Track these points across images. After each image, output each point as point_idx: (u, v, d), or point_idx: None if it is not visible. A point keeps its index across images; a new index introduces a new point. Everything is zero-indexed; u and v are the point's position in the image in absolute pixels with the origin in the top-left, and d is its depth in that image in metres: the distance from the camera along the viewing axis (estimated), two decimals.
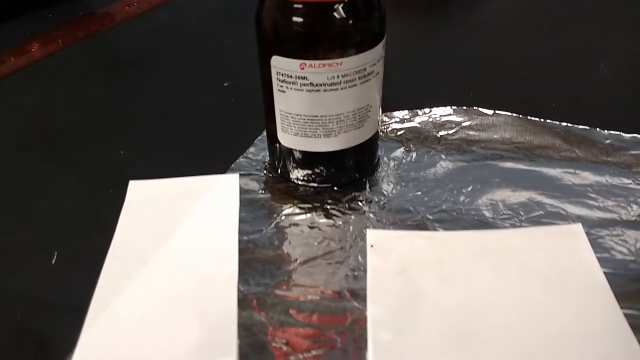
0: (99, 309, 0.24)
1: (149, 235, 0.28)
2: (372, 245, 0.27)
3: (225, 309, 0.24)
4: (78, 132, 0.37)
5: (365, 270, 0.26)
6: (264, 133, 0.33)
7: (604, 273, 0.25)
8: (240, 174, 0.32)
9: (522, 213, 0.29)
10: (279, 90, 0.28)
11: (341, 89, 0.27)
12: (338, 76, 0.27)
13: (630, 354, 0.22)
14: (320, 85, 0.27)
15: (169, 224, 0.29)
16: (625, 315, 0.23)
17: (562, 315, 0.23)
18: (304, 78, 0.27)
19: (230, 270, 0.26)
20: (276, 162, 0.32)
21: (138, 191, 0.31)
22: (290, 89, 0.28)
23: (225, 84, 0.42)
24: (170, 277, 0.26)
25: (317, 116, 0.28)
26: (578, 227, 0.27)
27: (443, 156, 0.33)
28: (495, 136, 0.35)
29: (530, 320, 0.23)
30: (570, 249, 0.26)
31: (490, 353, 0.22)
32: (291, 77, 0.27)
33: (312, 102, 0.28)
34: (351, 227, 0.29)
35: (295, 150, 0.30)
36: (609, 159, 0.32)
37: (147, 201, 0.30)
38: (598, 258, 0.26)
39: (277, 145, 0.31)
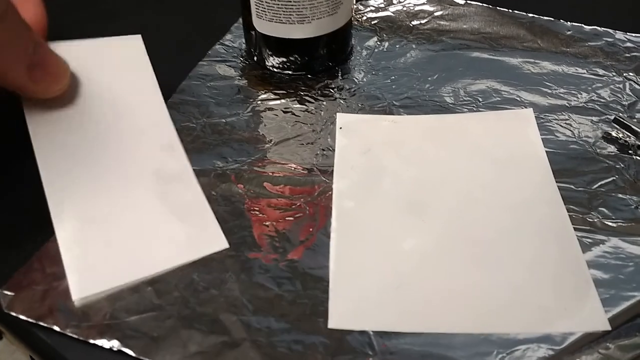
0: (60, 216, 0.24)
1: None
2: (340, 128, 0.30)
3: (194, 197, 0.26)
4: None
5: (333, 150, 0.29)
6: (240, 20, 0.34)
7: (546, 152, 0.28)
8: (216, 61, 0.33)
9: (480, 99, 0.31)
10: None
11: None
12: None
13: (559, 218, 0.25)
14: None
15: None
16: (559, 187, 0.26)
17: (504, 187, 0.27)
18: None
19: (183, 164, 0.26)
20: (252, 50, 0.33)
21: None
22: None
23: None
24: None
25: (290, 1, 0.29)
26: (528, 112, 0.30)
27: (414, 46, 0.35)
28: (465, 26, 0.36)
29: (475, 191, 0.26)
30: (519, 131, 0.29)
31: (438, 218, 0.25)
32: None
33: None
34: (322, 112, 0.31)
35: (271, 37, 0.31)
36: (568, 49, 0.34)
37: None
38: (543, 139, 0.29)
39: (253, 33, 0.32)
